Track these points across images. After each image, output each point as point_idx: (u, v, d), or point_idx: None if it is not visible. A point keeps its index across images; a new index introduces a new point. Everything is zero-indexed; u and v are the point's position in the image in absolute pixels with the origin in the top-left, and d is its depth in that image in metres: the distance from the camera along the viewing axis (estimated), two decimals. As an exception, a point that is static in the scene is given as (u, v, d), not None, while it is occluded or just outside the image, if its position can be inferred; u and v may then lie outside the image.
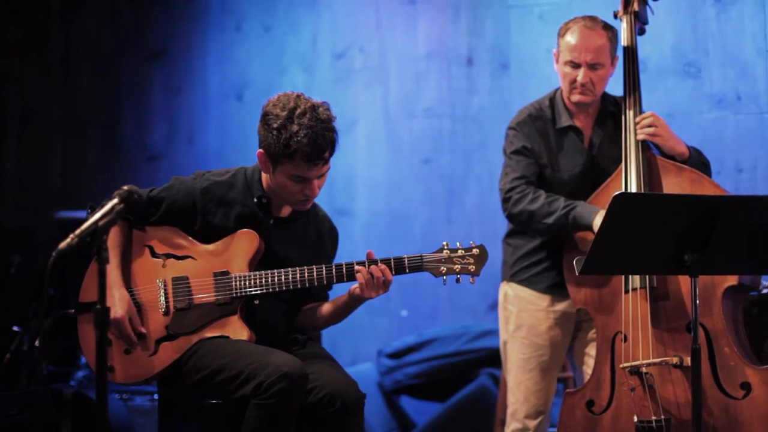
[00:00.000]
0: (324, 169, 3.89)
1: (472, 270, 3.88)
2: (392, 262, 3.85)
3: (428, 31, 6.94)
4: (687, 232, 3.63)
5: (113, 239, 3.95)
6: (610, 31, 4.51)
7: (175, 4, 7.55)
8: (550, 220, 4.40)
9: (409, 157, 6.94)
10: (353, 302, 3.97)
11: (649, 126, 4.40)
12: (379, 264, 3.84)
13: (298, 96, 3.89)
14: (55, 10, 7.78)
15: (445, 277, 3.89)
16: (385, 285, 3.85)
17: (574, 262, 4.21)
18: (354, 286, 3.89)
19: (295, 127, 3.78)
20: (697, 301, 3.67)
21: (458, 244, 3.92)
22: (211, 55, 7.42)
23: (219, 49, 7.39)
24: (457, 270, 3.88)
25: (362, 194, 7.01)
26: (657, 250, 3.71)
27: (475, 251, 3.89)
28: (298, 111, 3.81)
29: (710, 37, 6.07)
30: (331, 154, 3.88)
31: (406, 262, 3.86)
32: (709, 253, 3.65)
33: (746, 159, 5.95)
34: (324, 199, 6.75)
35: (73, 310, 4.04)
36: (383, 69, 7.01)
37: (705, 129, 6.05)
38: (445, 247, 3.90)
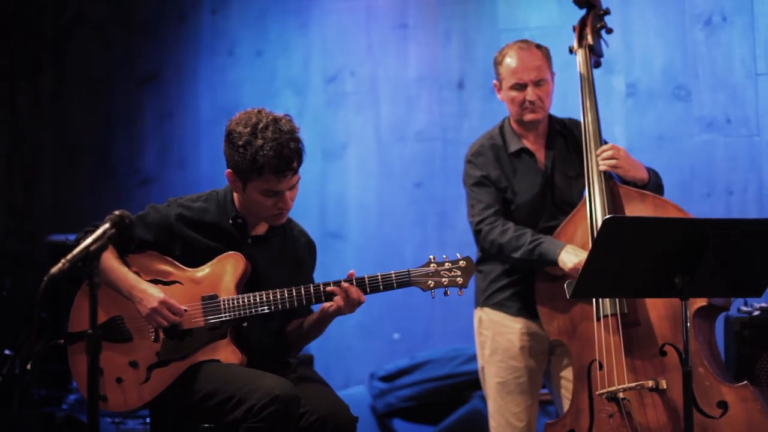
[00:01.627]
0: (294, 180, 3.87)
1: (459, 282, 3.89)
2: (380, 279, 3.86)
3: (419, 55, 6.97)
4: (677, 255, 3.63)
5: (112, 254, 3.91)
6: (543, 49, 4.69)
7: (167, 29, 7.57)
8: (517, 254, 4.49)
9: (401, 180, 6.95)
10: (327, 319, 4.00)
11: (610, 159, 4.44)
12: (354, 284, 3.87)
13: (259, 111, 3.87)
14: (47, 35, 7.79)
15: (433, 291, 3.90)
16: (359, 304, 3.88)
17: (566, 285, 4.24)
18: (328, 304, 3.90)
19: (259, 142, 3.77)
20: (688, 324, 3.69)
21: (444, 257, 3.93)
22: (203, 79, 7.43)
23: (210, 73, 7.41)
24: (445, 283, 3.89)
25: (354, 218, 7.02)
26: (647, 274, 3.72)
27: (462, 263, 3.91)
28: (261, 125, 3.80)
29: (700, 61, 6.10)
30: (299, 164, 3.87)
31: (393, 277, 3.86)
32: (700, 275, 3.66)
33: (736, 181, 5.98)
34: (315, 222, 6.78)
35: (62, 341, 4.02)
36: (374, 93, 7.03)
37: (695, 152, 6.08)
38: (432, 261, 3.91)
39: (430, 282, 3.88)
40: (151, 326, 3.90)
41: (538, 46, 4.68)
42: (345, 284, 3.85)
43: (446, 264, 3.91)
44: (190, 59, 7.48)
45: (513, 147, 4.71)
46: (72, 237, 4.10)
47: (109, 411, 3.98)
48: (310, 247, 4.22)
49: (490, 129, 4.83)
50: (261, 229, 4.06)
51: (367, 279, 3.87)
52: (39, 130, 7.74)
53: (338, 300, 3.85)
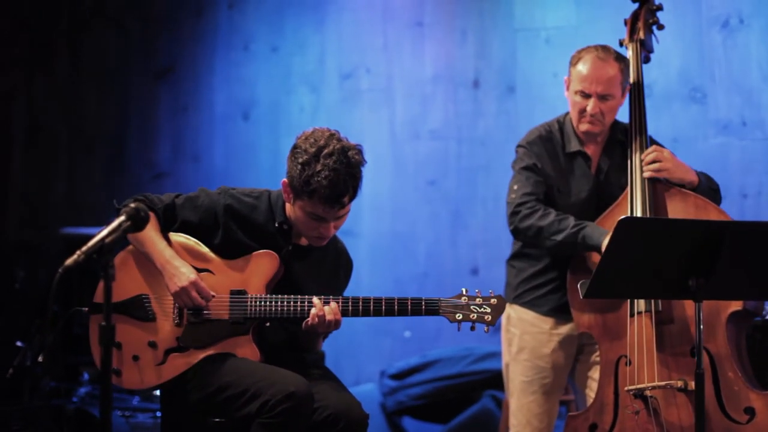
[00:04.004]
0: (342, 212, 3.83)
1: (488, 320, 3.83)
2: (409, 303, 3.83)
3: (435, 54, 6.96)
4: (692, 257, 3.62)
5: (154, 226, 3.93)
6: (622, 62, 4.50)
7: (183, 23, 7.58)
8: (559, 237, 4.37)
9: (415, 178, 6.95)
10: (309, 333, 3.95)
11: (654, 162, 4.39)
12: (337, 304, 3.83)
13: (331, 134, 3.82)
14: (63, 26, 7.81)
15: (459, 324, 3.85)
16: (336, 324, 3.84)
17: (579, 285, 4.20)
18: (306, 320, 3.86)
19: (318, 167, 3.72)
20: (701, 326, 3.66)
21: (477, 291, 3.87)
22: (218, 74, 7.44)
23: (226, 68, 7.42)
24: (473, 318, 3.83)
25: (367, 215, 7.01)
26: (662, 275, 3.71)
27: (493, 301, 3.85)
28: (326, 151, 3.75)
29: (716, 63, 6.09)
30: (352, 199, 3.82)
31: (423, 304, 3.84)
32: (714, 278, 3.64)
33: (751, 184, 5.96)
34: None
35: (87, 309, 4.02)
36: (390, 90, 7.03)
37: (710, 154, 6.07)
38: (464, 294, 3.85)
39: (458, 315, 3.83)
40: (176, 304, 3.90)
41: (618, 58, 4.49)
42: (320, 302, 3.82)
43: (477, 299, 3.85)
44: (206, 54, 7.49)
45: (570, 147, 4.59)
46: (84, 230, 4.10)
47: (122, 387, 3.97)
48: (347, 266, 4.20)
49: (549, 121, 4.69)
50: (305, 239, 4.02)
51: (396, 301, 3.84)
52: (54, 121, 7.76)
53: (313, 315, 3.82)
